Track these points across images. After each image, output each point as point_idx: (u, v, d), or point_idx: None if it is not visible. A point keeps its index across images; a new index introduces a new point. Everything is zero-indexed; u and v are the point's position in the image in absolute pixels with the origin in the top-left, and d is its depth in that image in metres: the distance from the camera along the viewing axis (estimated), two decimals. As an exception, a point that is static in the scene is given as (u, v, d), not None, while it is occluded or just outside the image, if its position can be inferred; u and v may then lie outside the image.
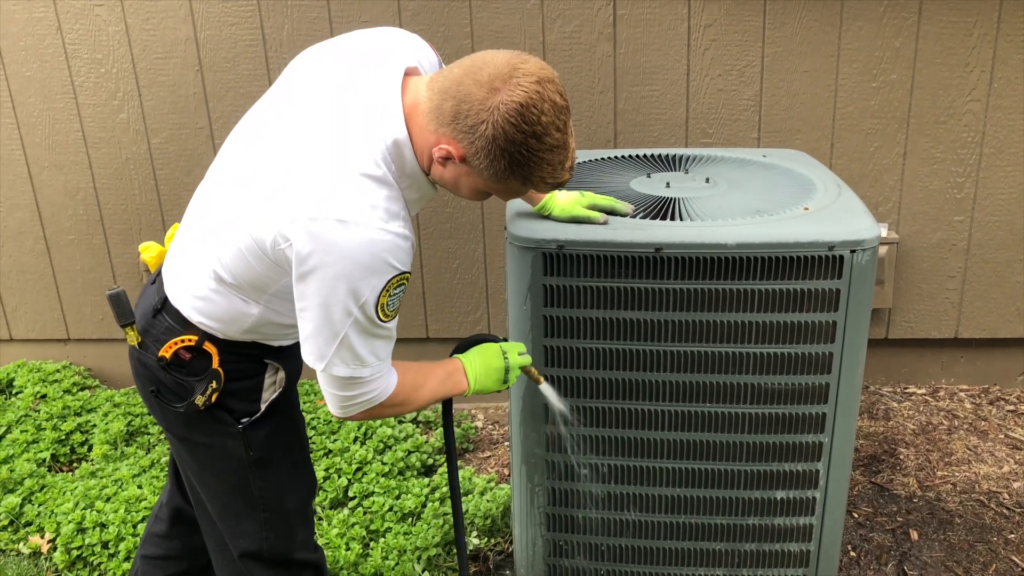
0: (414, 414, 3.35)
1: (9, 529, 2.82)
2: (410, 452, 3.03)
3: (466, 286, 3.42)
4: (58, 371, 3.56)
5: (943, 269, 3.31)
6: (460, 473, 2.94)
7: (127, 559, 2.62)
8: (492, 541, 2.68)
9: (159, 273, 1.80)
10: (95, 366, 3.70)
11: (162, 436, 3.25)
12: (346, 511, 2.80)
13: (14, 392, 3.50)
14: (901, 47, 3.07)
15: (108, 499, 2.85)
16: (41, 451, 3.13)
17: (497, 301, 3.43)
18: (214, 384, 1.71)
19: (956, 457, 3.05)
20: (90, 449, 3.20)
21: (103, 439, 3.17)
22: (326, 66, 1.66)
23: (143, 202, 3.41)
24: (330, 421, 3.20)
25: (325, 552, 2.34)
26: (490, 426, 3.39)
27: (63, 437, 3.21)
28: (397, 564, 2.56)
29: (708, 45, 3.11)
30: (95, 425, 3.27)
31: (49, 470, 3.11)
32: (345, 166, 1.51)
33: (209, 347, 1.70)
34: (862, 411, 3.32)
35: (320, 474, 2.91)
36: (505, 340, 1.94)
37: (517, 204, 2.07)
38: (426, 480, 2.90)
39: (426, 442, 3.12)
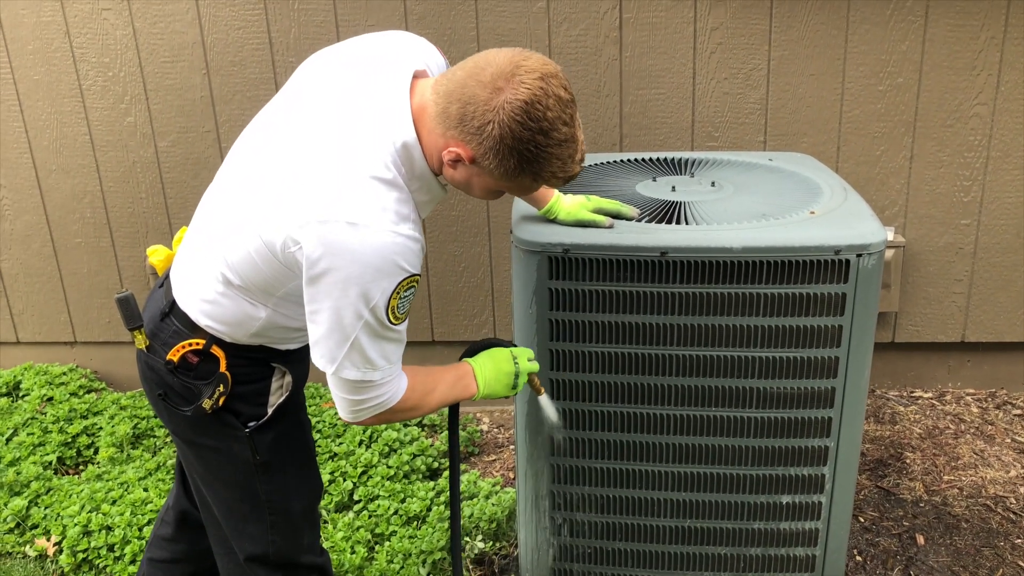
0: (420, 418, 3.35)
1: (15, 532, 2.83)
2: (415, 456, 3.03)
3: (471, 289, 3.42)
4: (65, 374, 3.57)
5: (950, 273, 3.30)
6: (465, 476, 2.94)
7: (133, 562, 2.62)
8: (497, 545, 2.67)
9: (167, 276, 1.81)
10: (102, 369, 3.71)
11: (168, 439, 3.25)
12: (351, 514, 2.81)
13: (21, 395, 3.51)
14: (908, 50, 3.06)
15: (114, 502, 2.85)
16: (47, 454, 3.14)
17: (503, 304, 3.43)
18: (221, 388, 1.71)
19: (963, 461, 3.04)
20: (96, 452, 3.21)
21: (109, 442, 3.17)
22: (334, 70, 1.66)
23: (150, 205, 3.42)
24: (335, 424, 3.20)
25: (330, 555, 2.34)
26: (495, 429, 3.39)
27: (69, 440, 3.22)
28: (402, 568, 2.56)
29: (714, 48, 3.11)
30: (101, 428, 3.27)
31: (55, 473, 3.12)
32: (355, 169, 1.51)
33: (217, 351, 1.71)
34: (868, 415, 3.31)
35: (325, 477, 2.91)
36: (515, 345, 1.93)
37: (523, 208, 2.07)
38: (431, 484, 2.90)
39: (431, 446, 3.12)
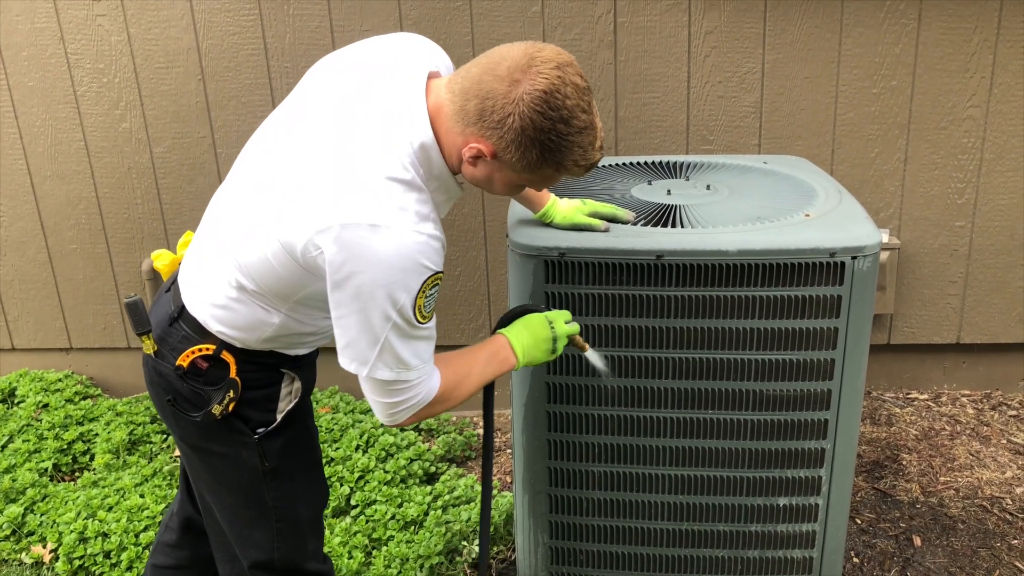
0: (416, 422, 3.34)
1: (11, 539, 2.82)
2: (412, 460, 3.03)
3: (468, 294, 3.42)
4: (60, 380, 3.56)
5: (944, 274, 3.31)
6: (462, 481, 2.94)
7: (129, 568, 2.62)
8: (494, 549, 2.67)
9: (174, 281, 1.79)
10: (97, 375, 3.70)
11: (164, 445, 3.25)
12: (348, 519, 2.80)
13: (16, 401, 3.50)
14: (901, 53, 3.07)
15: (110, 508, 2.84)
16: (43, 460, 3.13)
17: (499, 308, 3.43)
18: (231, 393, 1.70)
19: (959, 463, 3.05)
20: (92, 458, 3.20)
21: (105, 448, 3.17)
22: (347, 73, 1.65)
23: (145, 211, 3.42)
24: (332, 429, 3.20)
25: (328, 560, 2.34)
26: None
27: (65, 446, 3.21)
28: (400, 572, 2.56)
29: (708, 52, 3.12)
30: (97, 434, 3.27)
31: (51, 479, 3.11)
32: (374, 171, 1.51)
33: (227, 356, 1.70)
34: (864, 417, 3.32)
35: (322, 482, 2.91)
36: (549, 309, 1.89)
37: (519, 211, 2.08)
38: (428, 488, 2.90)
39: (428, 450, 3.12)
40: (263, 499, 1.81)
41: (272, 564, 1.86)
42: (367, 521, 2.77)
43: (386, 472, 2.96)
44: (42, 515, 2.88)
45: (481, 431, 3.39)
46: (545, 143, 1.50)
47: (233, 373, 1.70)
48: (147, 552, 2.66)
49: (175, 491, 2.91)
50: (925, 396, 3.45)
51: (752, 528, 2.12)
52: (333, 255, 1.48)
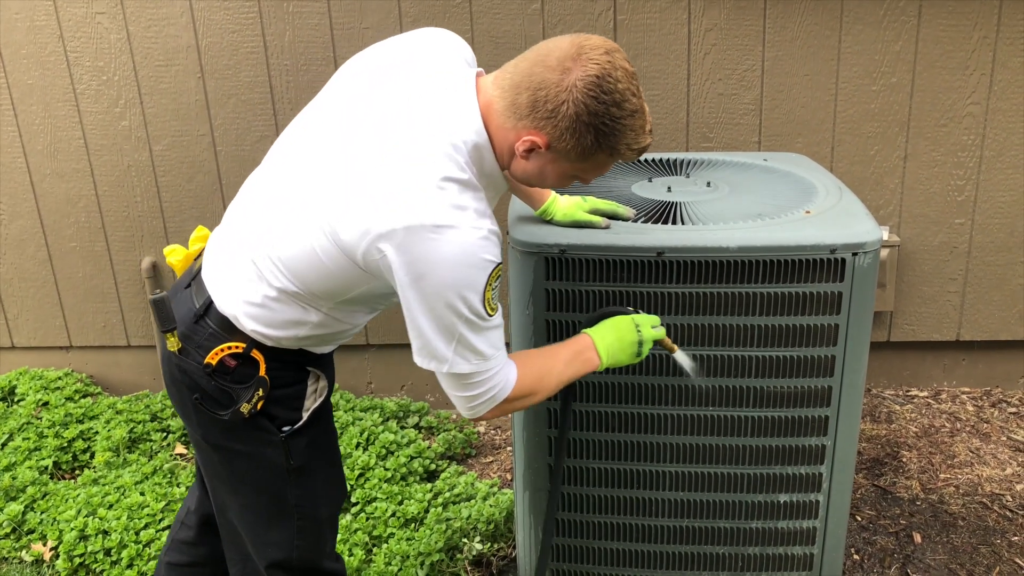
0: (416, 419, 3.35)
1: (12, 537, 2.82)
2: (412, 458, 3.03)
3: (468, 291, 3.42)
4: (60, 378, 3.56)
5: (944, 272, 3.31)
6: (463, 478, 2.94)
7: (130, 566, 2.62)
8: (495, 546, 2.67)
9: (194, 277, 1.76)
10: (97, 373, 3.70)
11: (164, 443, 3.25)
12: (349, 517, 2.80)
13: (16, 400, 3.50)
14: (901, 50, 3.07)
15: (111, 506, 2.84)
16: (43, 458, 3.13)
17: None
18: (260, 392, 1.69)
19: (959, 460, 3.05)
20: (92, 456, 3.20)
21: (105, 446, 3.17)
22: (395, 71, 1.64)
23: (145, 209, 3.42)
24: (332, 427, 3.19)
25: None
26: (492, 431, 3.39)
27: (65, 444, 3.21)
28: (400, 570, 2.56)
29: (708, 49, 3.11)
30: (97, 432, 3.27)
31: (51, 477, 3.11)
32: (432, 173, 1.51)
33: (256, 354, 1.69)
34: (864, 414, 3.32)
35: (323, 480, 2.91)
36: (637, 312, 1.88)
37: (519, 208, 2.08)
38: (428, 485, 2.90)
39: (428, 448, 3.12)
40: (285, 498, 1.80)
41: (291, 563, 1.85)
42: (367, 518, 2.77)
43: (386, 469, 2.96)
44: (42, 513, 2.88)
45: (481, 428, 3.39)
46: (599, 128, 1.52)
47: (263, 371, 1.69)
48: (147, 550, 2.66)
49: (175, 489, 2.91)
50: (925, 393, 3.46)
51: (753, 524, 2.12)
52: (399, 259, 1.49)
